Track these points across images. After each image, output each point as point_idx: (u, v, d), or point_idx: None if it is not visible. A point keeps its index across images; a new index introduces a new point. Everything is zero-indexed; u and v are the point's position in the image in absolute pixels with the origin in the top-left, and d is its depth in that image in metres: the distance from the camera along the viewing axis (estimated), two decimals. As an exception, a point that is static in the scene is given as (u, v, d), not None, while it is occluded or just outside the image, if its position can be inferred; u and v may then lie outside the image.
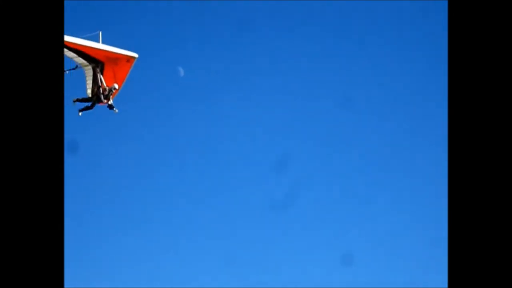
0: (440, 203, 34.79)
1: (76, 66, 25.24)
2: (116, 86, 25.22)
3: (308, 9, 43.30)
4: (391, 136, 42.61)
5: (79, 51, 24.55)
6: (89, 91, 25.66)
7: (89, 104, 25.37)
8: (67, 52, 24.46)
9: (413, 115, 42.88)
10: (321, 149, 42.06)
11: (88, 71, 25.54)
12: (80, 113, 25.36)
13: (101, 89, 25.16)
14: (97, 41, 24.56)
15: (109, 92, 25.20)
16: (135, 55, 25.27)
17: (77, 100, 25.35)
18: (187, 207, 40.82)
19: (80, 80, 25.76)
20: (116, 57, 25.04)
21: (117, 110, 25.34)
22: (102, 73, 25.30)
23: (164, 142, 43.37)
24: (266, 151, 41.54)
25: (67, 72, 25.12)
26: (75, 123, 40.50)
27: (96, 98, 25.28)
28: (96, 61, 25.20)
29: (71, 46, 24.06)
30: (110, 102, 25.21)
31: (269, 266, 37.32)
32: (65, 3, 17.83)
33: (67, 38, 23.47)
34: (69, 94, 25.44)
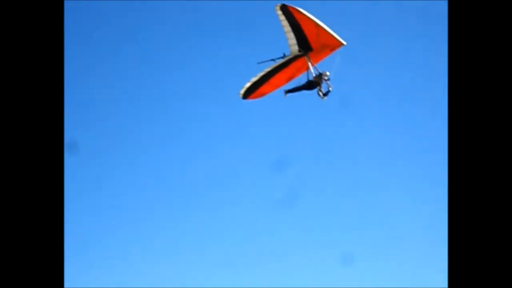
0: (440, 203, 34.80)
1: (284, 55, 24.62)
2: (328, 73, 24.56)
3: (307, 9, 43.27)
4: (391, 136, 42.65)
5: (304, 36, 23.95)
6: (260, 76, 24.93)
7: (299, 86, 24.80)
8: (291, 40, 24.07)
9: (413, 115, 42.91)
10: (321, 148, 42.09)
11: (288, 59, 24.79)
12: (286, 95, 24.79)
13: (323, 75, 24.51)
14: None
15: (322, 78, 24.59)
16: (345, 42, 24.07)
17: (289, 91, 24.77)
18: (187, 207, 40.86)
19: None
20: (328, 44, 24.12)
21: (325, 99, 24.65)
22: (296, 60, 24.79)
23: (164, 141, 43.40)
24: (266, 151, 41.57)
25: (275, 60, 24.66)
26: (75, 123, 40.67)
27: (308, 84, 24.60)
28: (308, 49, 24.42)
29: (306, 24, 23.51)
30: (331, 88, 24.52)
31: (269, 266, 37.34)
32: (65, 3, 17.86)
33: (307, 14, 23.15)
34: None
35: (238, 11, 43.83)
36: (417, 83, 43.05)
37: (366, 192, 40.69)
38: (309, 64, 24.56)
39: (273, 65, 24.80)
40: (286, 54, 24.61)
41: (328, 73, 24.55)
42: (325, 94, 24.55)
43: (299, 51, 24.39)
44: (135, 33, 44.73)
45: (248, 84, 25.18)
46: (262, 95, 25.60)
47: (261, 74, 24.97)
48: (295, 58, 24.68)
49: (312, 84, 24.61)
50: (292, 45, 24.25)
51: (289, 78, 25.28)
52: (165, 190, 41.57)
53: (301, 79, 25.10)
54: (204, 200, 40.98)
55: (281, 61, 24.73)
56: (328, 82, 24.46)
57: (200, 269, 37.30)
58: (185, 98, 43.91)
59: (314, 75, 24.62)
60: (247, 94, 25.36)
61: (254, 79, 25.08)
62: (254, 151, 42.43)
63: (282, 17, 23.38)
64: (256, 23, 42.77)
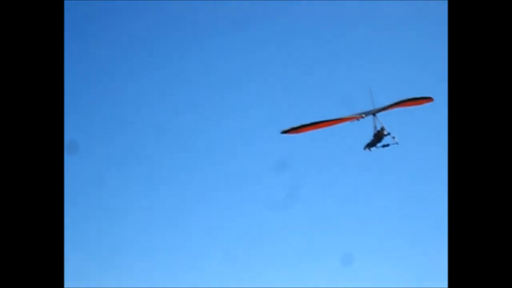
0: (440, 203, 34.81)
1: (363, 115, 26.95)
2: (385, 132, 27.40)
3: (307, 9, 43.38)
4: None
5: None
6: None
7: (372, 141, 27.45)
8: (381, 110, 26.64)
9: (413, 115, 42.85)
10: (321, 148, 42.11)
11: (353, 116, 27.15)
12: (366, 149, 27.44)
13: (384, 131, 27.31)
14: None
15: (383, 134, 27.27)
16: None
17: (367, 146, 27.46)
18: (187, 208, 40.91)
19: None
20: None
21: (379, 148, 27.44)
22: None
23: (164, 142, 43.42)
24: (266, 151, 41.59)
25: (363, 116, 27.00)
26: (75, 123, 40.68)
27: (377, 139, 27.41)
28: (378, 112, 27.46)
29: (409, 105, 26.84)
30: (396, 143, 27.26)
31: (269, 266, 37.38)
32: (65, 3, 17.87)
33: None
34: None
35: (237, 11, 43.88)
36: (417, 82, 43.08)
37: (366, 192, 40.77)
38: (376, 122, 27.21)
39: (335, 118, 26.65)
40: (365, 112, 26.92)
41: (385, 128, 27.07)
42: (384, 146, 27.33)
43: (374, 114, 27.02)
44: (136, 33, 44.76)
45: (296, 125, 26.48)
46: (301, 132, 26.94)
47: (317, 120, 26.50)
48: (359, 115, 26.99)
49: (379, 137, 27.32)
50: (375, 109, 26.77)
51: (332, 124, 26.97)
52: (165, 191, 41.62)
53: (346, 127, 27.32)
54: (204, 200, 41.04)
55: (347, 116, 26.76)
56: (395, 138, 27.10)
57: (200, 269, 37.36)
58: (185, 99, 43.96)
59: (377, 129, 27.28)
60: (290, 131, 26.67)
61: (306, 123, 26.51)
62: (254, 152, 42.48)
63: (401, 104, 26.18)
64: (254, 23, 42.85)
